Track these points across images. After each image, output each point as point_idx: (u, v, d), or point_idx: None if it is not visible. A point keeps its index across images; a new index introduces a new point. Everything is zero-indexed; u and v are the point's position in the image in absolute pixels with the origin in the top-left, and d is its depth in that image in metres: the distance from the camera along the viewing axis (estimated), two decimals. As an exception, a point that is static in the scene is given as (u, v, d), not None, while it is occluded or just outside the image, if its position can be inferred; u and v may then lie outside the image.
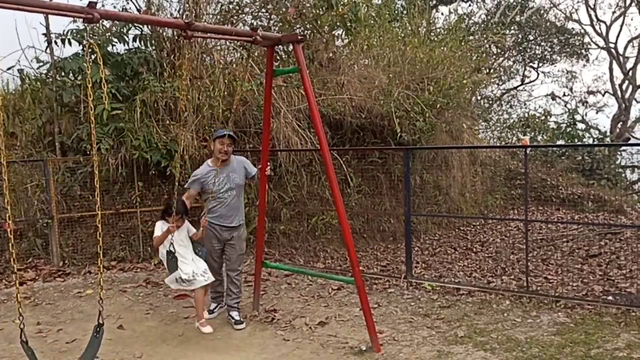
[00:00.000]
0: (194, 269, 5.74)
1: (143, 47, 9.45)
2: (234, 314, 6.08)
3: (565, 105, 24.21)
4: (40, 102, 9.32)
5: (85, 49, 8.86)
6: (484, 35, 17.95)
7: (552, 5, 23.61)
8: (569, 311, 6.16)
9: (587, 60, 24.04)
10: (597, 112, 24.70)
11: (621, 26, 23.41)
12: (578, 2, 23.90)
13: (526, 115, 21.24)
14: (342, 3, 9.91)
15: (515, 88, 24.85)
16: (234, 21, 10.25)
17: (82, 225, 8.87)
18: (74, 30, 9.00)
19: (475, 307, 6.43)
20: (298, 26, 10.24)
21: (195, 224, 6.15)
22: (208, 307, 6.41)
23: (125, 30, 9.33)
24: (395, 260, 9.27)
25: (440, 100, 11.12)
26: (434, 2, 20.63)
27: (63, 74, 9.14)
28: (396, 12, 15.24)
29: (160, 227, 5.79)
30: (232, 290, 6.14)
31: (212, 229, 6.02)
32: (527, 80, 25.05)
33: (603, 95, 24.91)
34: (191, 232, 5.98)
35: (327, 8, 9.74)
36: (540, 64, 24.21)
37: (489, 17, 21.44)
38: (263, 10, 10.52)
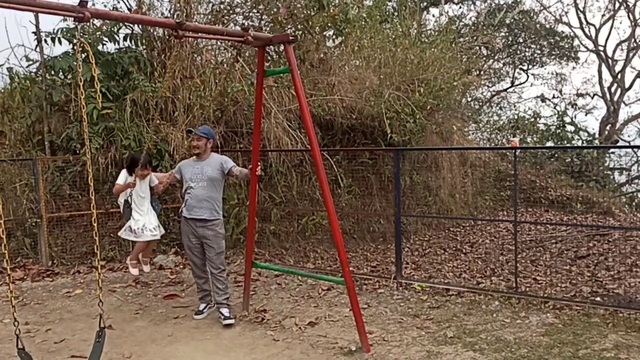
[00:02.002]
0: (145, 222, 6.28)
1: (134, 47, 9.42)
2: (224, 310, 6.08)
3: (555, 107, 24.35)
4: (29, 100, 9.26)
5: (75, 47, 8.82)
6: (474, 37, 18.02)
7: (542, 7, 23.77)
8: (557, 312, 6.19)
9: (577, 63, 24.21)
10: (586, 115, 24.83)
11: (610, 29, 23.60)
12: (568, 5, 24.05)
13: (516, 117, 21.36)
14: (333, 4, 9.92)
15: (505, 90, 24.97)
16: (225, 21, 10.24)
17: (71, 225, 8.82)
18: (64, 29, 8.94)
19: (464, 308, 6.46)
20: (289, 27, 10.24)
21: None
22: (197, 308, 6.41)
23: (115, 30, 9.29)
24: (385, 261, 9.29)
25: (431, 101, 11.15)
26: (425, 3, 20.70)
27: (53, 72, 9.09)
28: (387, 13, 15.27)
29: (123, 177, 6.29)
30: (218, 287, 6.15)
31: (187, 224, 6.14)
32: (517, 82, 25.19)
33: (592, 98, 25.07)
34: (153, 182, 6.44)
35: (318, 9, 9.74)
36: (530, 66, 24.33)
37: (479, 19, 21.53)
38: (254, 10, 10.51)
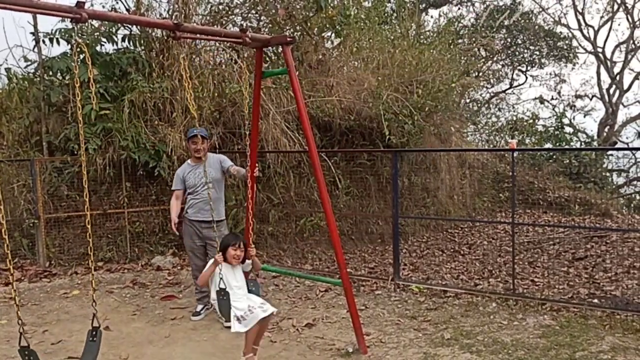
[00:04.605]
0: (249, 303, 4.76)
1: (132, 47, 9.42)
2: (223, 313, 6.08)
3: (553, 109, 24.35)
4: (27, 101, 9.26)
5: (73, 48, 8.83)
6: (473, 39, 18.02)
7: (541, 9, 23.77)
8: (554, 314, 6.20)
9: (575, 65, 24.21)
10: (584, 116, 24.85)
11: (609, 31, 23.59)
12: (567, 6, 24.08)
13: (514, 118, 21.35)
14: (331, 5, 9.92)
15: (504, 91, 24.93)
16: (224, 22, 10.25)
17: (69, 226, 8.82)
18: (63, 30, 8.96)
19: (462, 310, 6.46)
20: (287, 28, 10.25)
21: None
22: (194, 309, 6.40)
23: (114, 30, 9.29)
24: (383, 262, 9.28)
25: (429, 103, 11.13)
26: (424, 5, 20.70)
27: (51, 73, 9.09)
28: (386, 14, 15.26)
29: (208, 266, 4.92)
30: (218, 289, 6.14)
31: (192, 225, 6.20)
32: (515, 84, 25.17)
33: (591, 99, 25.07)
34: (247, 267, 5.06)
35: (316, 10, 9.75)
36: (529, 68, 24.33)
37: (478, 21, 21.53)
38: (253, 11, 10.53)
